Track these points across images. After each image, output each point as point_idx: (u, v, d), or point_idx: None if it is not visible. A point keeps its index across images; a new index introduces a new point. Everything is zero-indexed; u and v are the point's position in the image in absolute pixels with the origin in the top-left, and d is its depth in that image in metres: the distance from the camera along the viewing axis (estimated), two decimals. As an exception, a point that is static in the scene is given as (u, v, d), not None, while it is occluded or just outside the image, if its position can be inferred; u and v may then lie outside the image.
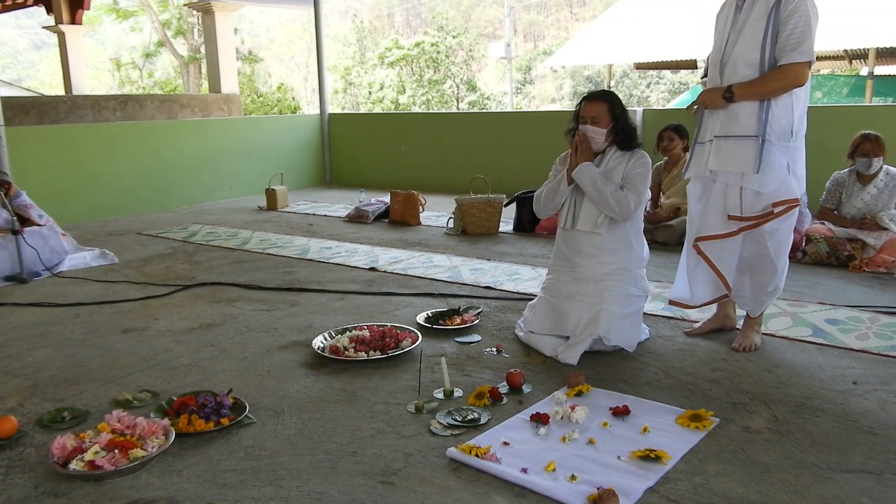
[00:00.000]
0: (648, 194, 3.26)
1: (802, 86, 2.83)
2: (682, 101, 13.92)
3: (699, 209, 3.15)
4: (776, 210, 2.92)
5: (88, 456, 2.16)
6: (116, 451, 2.19)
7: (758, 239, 3.01)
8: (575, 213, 3.21)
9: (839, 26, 9.67)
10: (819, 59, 12.23)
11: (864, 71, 11.04)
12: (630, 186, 3.11)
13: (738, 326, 3.36)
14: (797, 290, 4.02)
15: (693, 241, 3.16)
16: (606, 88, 3.22)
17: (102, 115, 9.63)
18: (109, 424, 2.35)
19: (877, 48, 10.14)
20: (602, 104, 3.13)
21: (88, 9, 12.52)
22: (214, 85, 11.47)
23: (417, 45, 21.66)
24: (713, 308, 3.58)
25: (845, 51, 11.38)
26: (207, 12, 11.30)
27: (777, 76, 2.80)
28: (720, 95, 2.94)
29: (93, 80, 23.38)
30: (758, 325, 3.21)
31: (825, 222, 4.73)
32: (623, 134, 3.16)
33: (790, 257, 4.61)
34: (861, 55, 11.39)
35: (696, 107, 3.14)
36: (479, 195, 5.95)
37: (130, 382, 2.91)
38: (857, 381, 2.75)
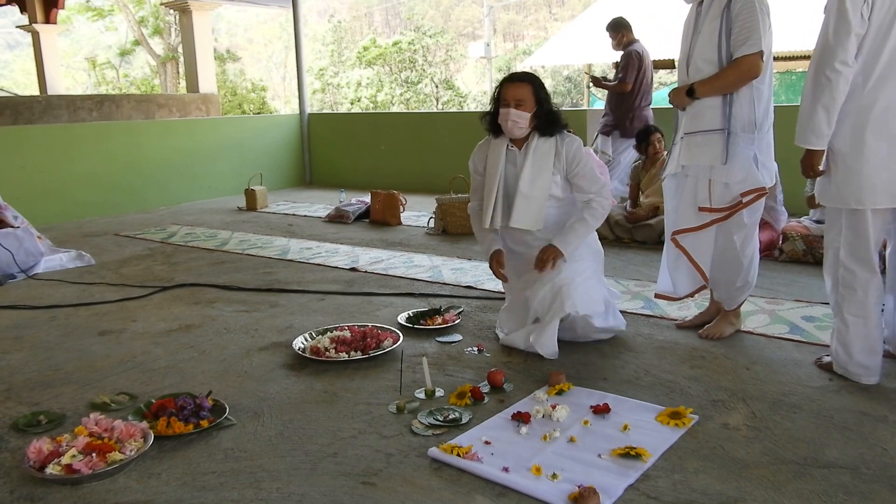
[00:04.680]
0: (607, 178, 3.21)
1: (758, 76, 2.94)
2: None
3: (674, 204, 3.26)
4: (745, 199, 3.04)
5: (65, 460, 2.13)
6: (94, 454, 2.16)
7: (727, 232, 3.13)
8: (507, 213, 3.09)
9: (812, 26, 9.78)
10: (793, 58, 12.37)
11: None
12: (588, 181, 3.03)
13: None
14: (774, 287, 4.07)
15: (671, 235, 3.25)
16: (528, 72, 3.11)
17: (78, 116, 9.50)
18: (87, 428, 2.32)
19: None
20: (526, 86, 2.98)
21: (63, 8, 12.34)
22: (192, 85, 11.36)
23: (394, 44, 21.62)
24: (690, 304, 3.63)
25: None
26: (185, 11, 11.18)
27: (732, 70, 2.94)
28: (684, 93, 3.08)
29: (68, 80, 23.05)
30: (734, 318, 3.29)
31: (801, 220, 4.79)
32: (545, 119, 3.02)
33: (767, 255, 4.70)
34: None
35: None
36: (459, 195, 5.95)
37: (108, 385, 2.87)
38: (832, 378, 2.79)
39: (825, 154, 2.64)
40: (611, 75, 6.35)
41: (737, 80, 2.94)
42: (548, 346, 3.01)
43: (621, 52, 6.13)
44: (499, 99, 3.07)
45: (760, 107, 2.99)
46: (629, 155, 6.17)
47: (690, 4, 3.15)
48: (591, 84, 6.14)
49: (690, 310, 3.63)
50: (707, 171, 3.06)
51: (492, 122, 3.13)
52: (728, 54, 2.95)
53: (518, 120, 2.99)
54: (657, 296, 3.44)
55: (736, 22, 2.91)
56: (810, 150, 2.60)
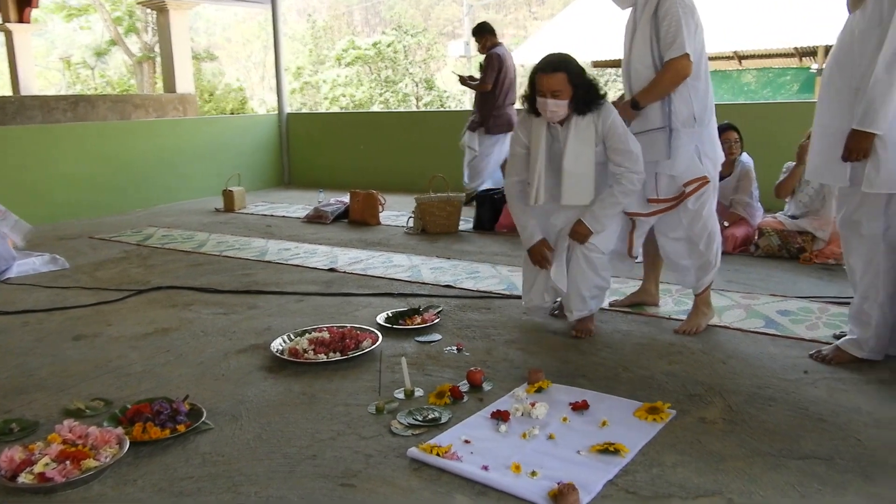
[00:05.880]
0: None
1: (688, 76, 3.06)
2: None
3: None
4: (687, 189, 3.20)
5: (38, 468, 2.10)
6: (68, 462, 2.13)
7: (673, 218, 3.28)
8: (554, 190, 3.15)
9: (789, 24, 9.90)
10: (770, 56, 12.52)
11: (815, 67, 11.32)
12: (621, 155, 3.05)
13: (659, 303, 3.70)
14: (750, 282, 4.10)
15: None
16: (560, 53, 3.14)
17: (52, 116, 9.38)
18: (60, 435, 2.29)
19: (825, 46, 10.41)
20: (560, 75, 2.98)
21: (37, 7, 12.19)
22: (169, 85, 11.27)
23: (374, 45, 21.52)
24: (668, 301, 3.66)
25: (795, 48, 11.65)
26: (162, 10, 11.09)
27: (664, 75, 3.08)
28: (629, 107, 3.21)
29: (42, 80, 22.72)
30: (705, 308, 3.35)
31: (776, 216, 4.83)
32: (583, 100, 3.03)
33: (742, 250, 4.74)
34: (811, 52, 11.68)
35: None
36: (438, 194, 5.94)
37: (82, 391, 2.83)
38: (807, 371, 2.82)
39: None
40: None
41: (670, 84, 3.07)
42: (557, 273, 3.18)
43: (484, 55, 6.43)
44: (533, 85, 3.08)
45: (698, 102, 3.13)
46: (499, 151, 6.47)
47: (629, 10, 3.25)
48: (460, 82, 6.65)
49: (668, 306, 3.67)
50: (654, 165, 3.20)
51: (531, 104, 3.14)
52: (660, 57, 3.07)
53: (556, 109, 3.03)
54: None
55: (661, 27, 3.03)
56: (868, 133, 2.61)
